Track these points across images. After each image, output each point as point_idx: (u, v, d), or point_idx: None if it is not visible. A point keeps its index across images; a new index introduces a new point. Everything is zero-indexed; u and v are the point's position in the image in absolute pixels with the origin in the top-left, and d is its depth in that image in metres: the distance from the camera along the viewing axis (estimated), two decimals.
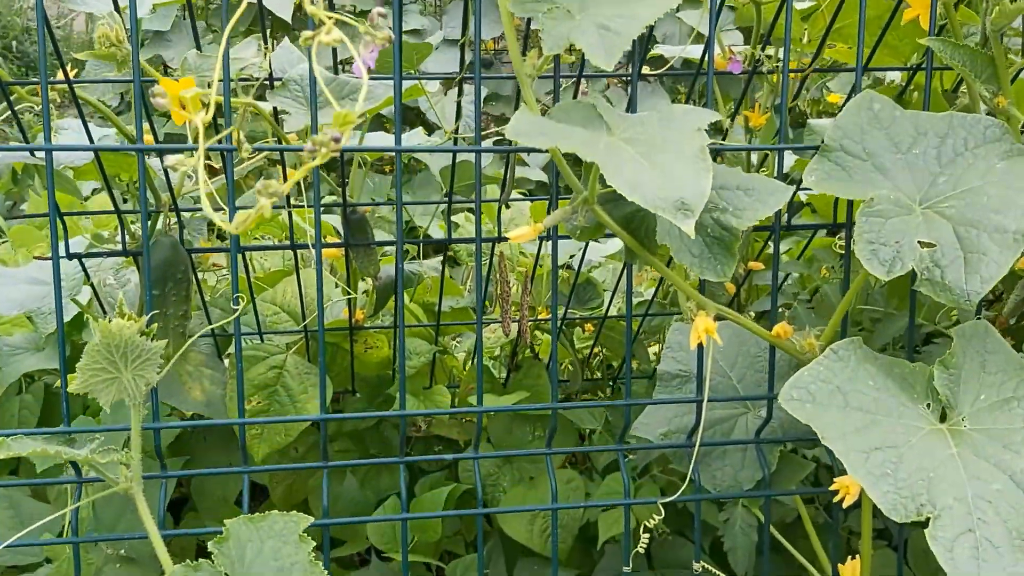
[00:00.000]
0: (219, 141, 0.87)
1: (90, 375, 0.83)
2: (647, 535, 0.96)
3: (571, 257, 1.91)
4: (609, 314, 1.75)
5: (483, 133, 1.04)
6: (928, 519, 0.73)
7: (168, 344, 1.36)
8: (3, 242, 2.31)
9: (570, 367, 2.02)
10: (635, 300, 2.01)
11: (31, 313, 1.62)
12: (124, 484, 0.85)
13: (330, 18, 0.56)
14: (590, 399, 1.96)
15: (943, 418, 0.82)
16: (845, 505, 0.93)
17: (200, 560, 0.81)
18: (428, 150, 1.11)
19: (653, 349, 1.95)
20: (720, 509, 1.52)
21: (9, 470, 1.77)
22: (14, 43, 4.54)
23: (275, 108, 1.13)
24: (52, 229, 1.10)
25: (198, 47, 1.05)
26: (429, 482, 1.81)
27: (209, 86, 0.94)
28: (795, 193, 1.07)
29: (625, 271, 0.97)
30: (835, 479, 0.95)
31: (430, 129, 3.30)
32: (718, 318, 0.93)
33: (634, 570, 1.66)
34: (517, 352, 1.80)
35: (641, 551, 1.00)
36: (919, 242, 0.82)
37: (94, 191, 2.24)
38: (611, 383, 1.94)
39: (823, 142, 0.91)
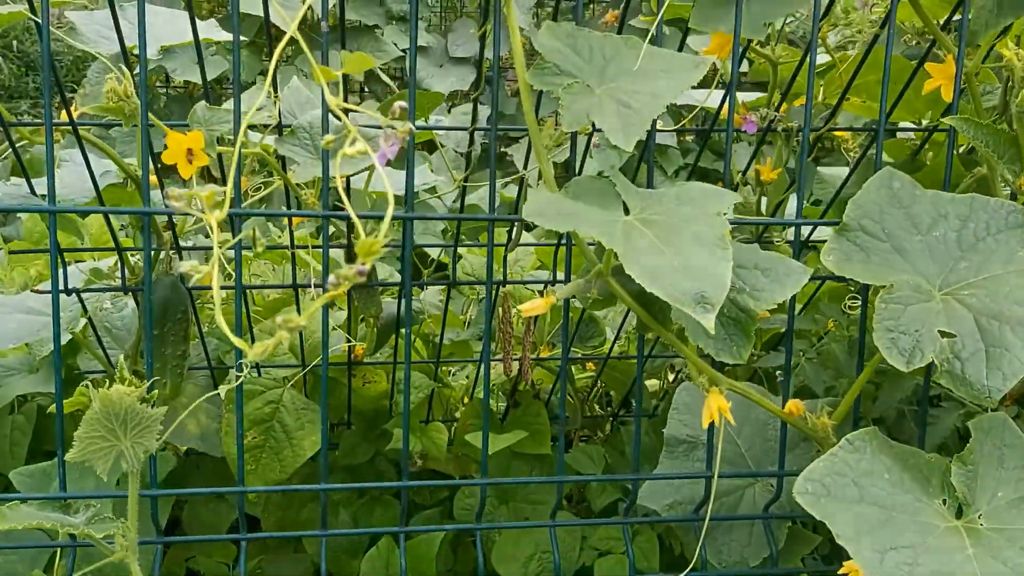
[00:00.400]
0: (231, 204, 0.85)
1: (88, 443, 0.81)
2: None
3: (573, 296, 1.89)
4: (610, 352, 1.74)
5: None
6: None
7: (166, 385, 1.34)
8: None
9: (569, 401, 2.01)
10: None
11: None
12: (120, 554, 0.83)
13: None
14: (588, 436, 1.94)
15: (959, 514, 0.81)
16: None
17: None
18: (442, 218, 1.08)
19: (653, 386, 1.93)
20: None
21: None
22: (15, 43, 4.50)
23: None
24: (52, 266, 1.07)
25: (206, 94, 1.02)
26: (423, 518, 1.79)
27: (219, 141, 0.92)
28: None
29: (637, 341, 0.96)
30: (844, 563, 0.93)
31: (431, 148, 3.28)
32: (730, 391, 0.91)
33: None
34: (517, 388, 1.78)
35: None
36: (939, 331, 0.80)
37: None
38: (611, 419, 1.92)
39: (841, 221, 0.89)
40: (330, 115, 1.05)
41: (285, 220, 1.81)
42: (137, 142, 0.98)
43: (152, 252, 1.32)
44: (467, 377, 2.01)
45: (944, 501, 0.81)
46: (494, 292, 1.54)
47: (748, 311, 0.82)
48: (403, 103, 0.59)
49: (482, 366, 1.83)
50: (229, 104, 1.15)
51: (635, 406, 0.96)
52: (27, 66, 4.59)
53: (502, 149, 3.48)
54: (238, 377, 0.89)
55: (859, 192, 0.90)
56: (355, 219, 0.60)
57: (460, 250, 2.47)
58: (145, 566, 0.83)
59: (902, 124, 1.33)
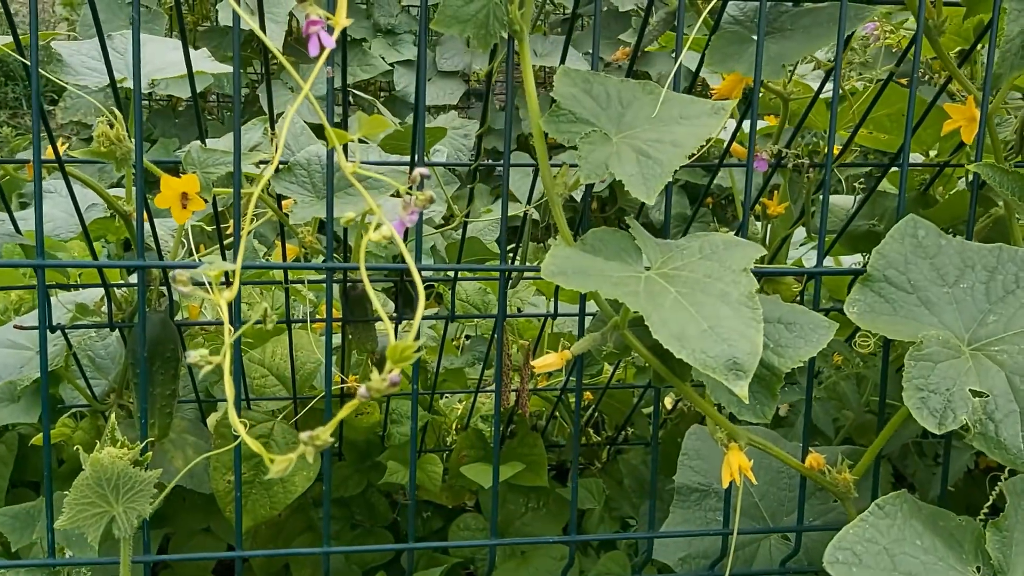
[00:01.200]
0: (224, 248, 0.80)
1: (78, 511, 0.76)
2: None
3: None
4: (609, 382, 1.70)
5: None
6: None
7: (154, 425, 1.29)
8: None
9: (564, 427, 1.97)
10: (635, 364, 1.96)
11: None
12: None
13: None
14: (584, 464, 1.90)
15: None
16: None
17: None
18: (447, 268, 1.04)
19: (648, 411, 1.90)
20: None
21: None
22: None
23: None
24: (41, 303, 1.02)
25: (201, 135, 0.98)
26: (417, 553, 1.75)
27: (214, 183, 0.88)
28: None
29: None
30: None
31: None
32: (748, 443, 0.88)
33: None
34: (513, 419, 1.74)
35: None
36: (970, 390, 0.77)
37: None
38: (609, 446, 1.88)
39: (866, 271, 0.86)
40: (333, 152, 1.01)
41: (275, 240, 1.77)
42: (128, 183, 0.94)
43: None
44: (460, 402, 1.97)
45: (978, 568, 0.78)
46: (495, 327, 1.50)
47: (772, 368, 0.79)
48: (424, 170, 0.55)
49: (483, 401, 1.79)
50: (222, 137, 1.11)
51: (651, 467, 0.92)
52: (6, 76, 4.51)
53: (489, 160, 3.45)
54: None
55: (883, 242, 0.87)
56: (365, 278, 0.56)
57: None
58: None
59: (911, 159, 1.30)
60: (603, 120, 0.80)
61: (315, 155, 1.09)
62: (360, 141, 1.26)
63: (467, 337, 2.01)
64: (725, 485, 0.83)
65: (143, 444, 0.80)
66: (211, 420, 1.56)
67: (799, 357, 0.79)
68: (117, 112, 0.82)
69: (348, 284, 1.34)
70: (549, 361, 0.81)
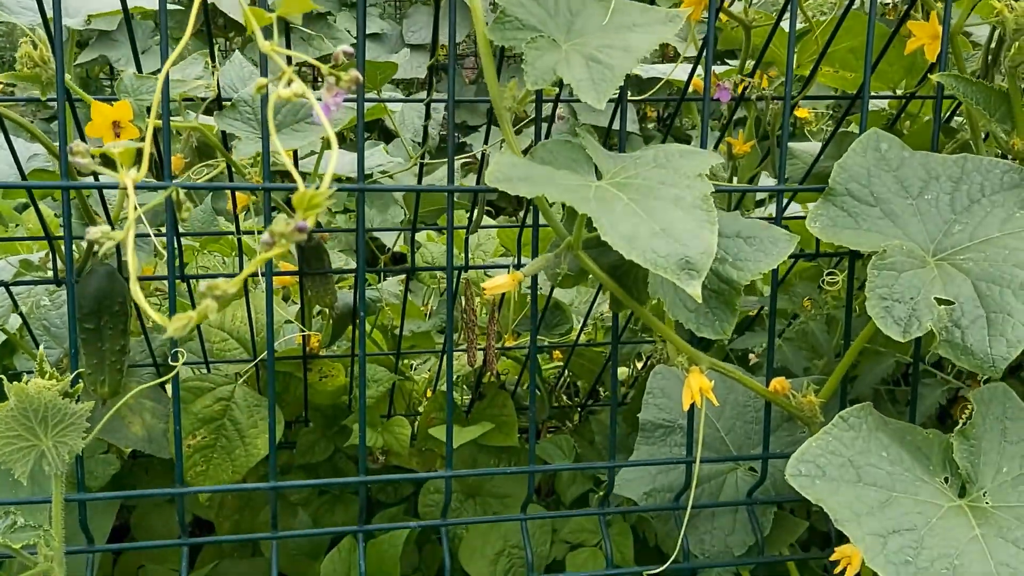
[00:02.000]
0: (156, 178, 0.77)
1: (3, 444, 0.72)
2: None
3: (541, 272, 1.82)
4: (578, 340, 1.67)
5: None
6: None
7: (104, 383, 1.24)
8: None
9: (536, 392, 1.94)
10: (606, 323, 1.93)
11: None
12: (44, 565, 0.74)
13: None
14: (556, 426, 1.88)
15: (963, 492, 0.75)
16: None
17: None
18: (397, 190, 1.01)
19: (623, 373, 1.87)
20: None
21: None
22: None
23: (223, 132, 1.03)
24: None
25: (137, 61, 0.94)
26: (386, 516, 1.71)
27: (148, 111, 0.83)
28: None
29: (612, 321, 0.89)
30: (836, 548, 0.87)
31: (388, 138, 3.18)
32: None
33: None
34: (481, 380, 1.71)
35: None
36: (936, 299, 0.74)
37: (25, 206, 2.10)
38: (580, 409, 1.85)
39: (828, 185, 0.83)
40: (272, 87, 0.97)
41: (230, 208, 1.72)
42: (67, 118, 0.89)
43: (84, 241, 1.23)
44: (429, 371, 1.94)
45: (946, 479, 0.75)
46: (456, 278, 1.46)
47: (731, 282, 0.76)
48: (348, 47, 0.52)
49: (444, 357, 1.76)
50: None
51: (611, 387, 0.89)
52: None
53: (460, 139, 3.41)
54: (174, 360, 0.80)
55: (845, 155, 0.84)
56: (301, 186, 0.52)
57: (419, 238, 2.40)
58: None
59: (876, 93, 1.27)
60: (551, 27, 0.76)
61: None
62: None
63: (436, 297, 1.98)
64: (686, 407, 0.80)
65: (73, 375, 0.76)
66: (166, 380, 1.52)
67: (758, 270, 0.76)
68: (42, 34, 0.78)
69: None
70: (499, 283, 0.77)
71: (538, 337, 1.67)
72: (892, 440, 0.76)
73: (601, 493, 1.59)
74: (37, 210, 1.17)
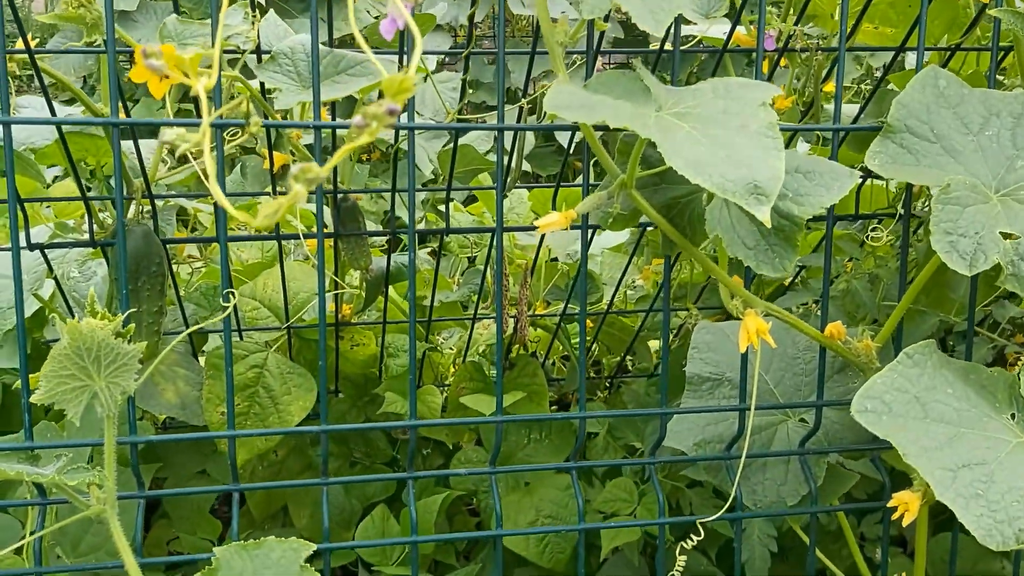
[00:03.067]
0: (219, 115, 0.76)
1: (56, 383, 0.72)
2: (683, 556, 0.87)
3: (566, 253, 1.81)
4: (609, 308, 1.66)
5: (471, 116, 0.93)
6: None
7: (141, 344, 1.24)
8: None
9: (564, 366, 1.93)
10: (636, 295, 1.92)
11: None
12: (96, 507, 0.74)
13: None
14: (589, 398, 1.86)
15: None
16: (905, 523, 0.84)
17: None
18: (445, 128, 0.99)
19: (654, 345, 1.86)
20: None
21: None
22: None
23: (263, 85, 1.02)
24: (11, 214, 0.97)
25: (177, 10, 0.93)
26: (418, 487, 1.70)
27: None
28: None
29: (664, 266, 0.87)
30: (893, 495, 0.86)
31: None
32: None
33: None
34: (512, 349, 1.70)
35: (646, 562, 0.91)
36: (1000, 233, 0.73)
37: (55, 179, 2.10)
38: (609, 381, 1.84)
39: (886, 122, 0.82)
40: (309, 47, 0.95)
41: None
42: (103, 69, 0.88)
43: (123, 201, 1.22)
44: (458, 342, 1.93)
45: (1012, 416, 0.74)
46: (492, 237, 1.45)
47: (792, 218, 0.74)
48: None
49: (474, 325, 1.74)
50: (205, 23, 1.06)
51: (663, 333, 0.87)
52: None
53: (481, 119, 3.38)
54: (226, 302, 0.79)
55: (903, 92, 0.83)
56: (383, 73, 0.51)
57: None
58: (126, 525, 0.74)
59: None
60: None
61: (299, 43, 1.04)
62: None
63: (462, 274, 1.97)
64: (742, 349, 0.79)
65: (124, 315, 0.75)
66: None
67: (820, 204, 0.74)
68: None
69: (339, 196, 1.29)
70: (552, 219, 0.76)
71: (569, 306, 1.66)
72: (957, 378, 0.74)
73: (644, 483, 1.58)
74: (74, 169, 1.17)
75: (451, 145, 1.21)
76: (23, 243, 1.16)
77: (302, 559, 0.72)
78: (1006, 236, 0.73)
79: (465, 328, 1.78)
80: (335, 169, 1.27)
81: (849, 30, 1.17)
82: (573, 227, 0.75)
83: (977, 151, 0.79)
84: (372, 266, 1.41)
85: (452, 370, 1.87)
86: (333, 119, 1.15)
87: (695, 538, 0.85)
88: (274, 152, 1.21)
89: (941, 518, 1.48)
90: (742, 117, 0.68)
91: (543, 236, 1.56)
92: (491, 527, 1.58)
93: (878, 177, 1.02)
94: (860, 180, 1.07)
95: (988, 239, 0.72)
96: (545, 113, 0.71)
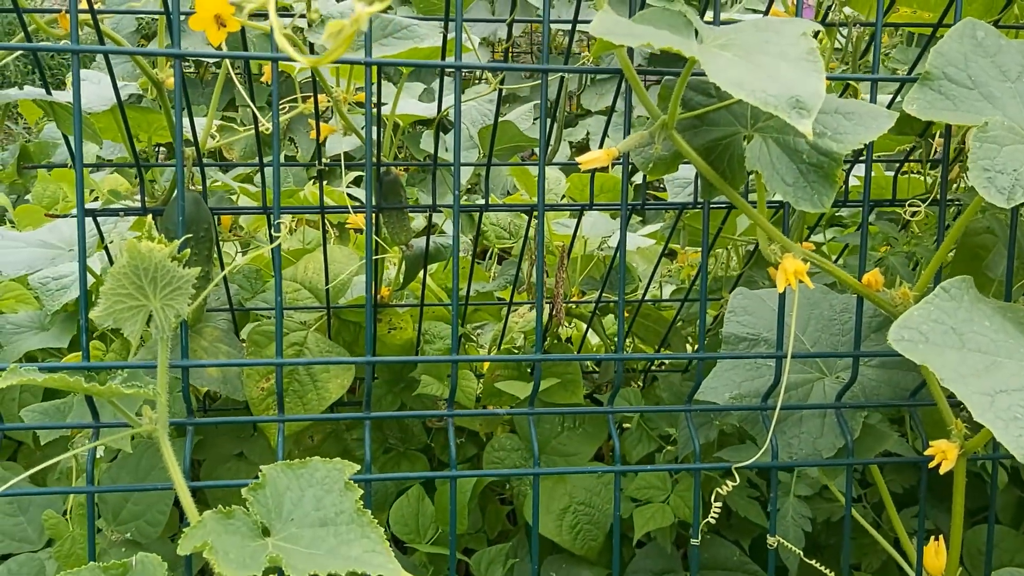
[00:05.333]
0: None
1: (114, 301, 0.74)
2: (718, 503, 0.87)
3: (602, 244, 1.82)
4: (644, 297, 1.67)
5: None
6: None
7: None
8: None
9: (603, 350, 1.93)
10: (670, 288, 1.92)
11: (38, 291, 1.54)
12: (148, 426, 0.76)
13: None
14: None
15: None
16: (942, 471, 0.85)
17: (233, 507, 0.71)
18: (488, 68, 1.01)
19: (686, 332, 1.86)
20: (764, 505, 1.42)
21: (7, 456, 1.68)
22: None
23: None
24: (77, 156, 1.00)
25: None
26: None
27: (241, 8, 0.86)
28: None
29: (702, 216, 0.89)
30: (931, 443, 0.86)
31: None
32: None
33: (669, 570, 1.57)
34: (547, 337, 1.71)
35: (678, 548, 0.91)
36: None
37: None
38: (643, 375, 1.84)
39: (924, 71, 0.83)
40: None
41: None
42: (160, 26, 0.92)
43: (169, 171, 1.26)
44: (493, 332, 1.94)
45: None
46: (531, 215, 1.46)
47: (831, 154, 0.76)
48: None
49: (515, 320, 1.76)
50: None
51: (701, 277, 0.89)
52: None
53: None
54: (276, 232, 0.82)
55: (941, 41, 0.84)
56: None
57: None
58: (177, 455, 0.76)
59: None
60: None
61: (348, 7, 1.07)
62: None
63: (499, 262, 1.99)
64: (780, 289, 0.80)
65: (181, 239, 0.77)
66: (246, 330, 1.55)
67: (859, 140, 0.75)
68: None
69: (381, 169, 1.32)
70: (594, 155, 0.78)
71: (604, 295, 1.67)
72: (994, 312, 0.75)
73: (668, 448, 1.58)
74: (129, 135, 1.21)
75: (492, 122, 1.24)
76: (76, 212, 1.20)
77: (346, 477, 0.74)
78: None
79: (500, 318, 1.79)
80: (379, 144, 1.30)
81: (886, 7, 1.19)
82: (615, 164, 0.77)
83: (1015, 97, 0.80)
84: (411, 245, 1.44)
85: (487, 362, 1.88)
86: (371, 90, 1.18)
87: (730, 484, 0.86)
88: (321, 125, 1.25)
89: (978, 517, 1.46)
90: (782, 46, 0.69)
91: (579, 221, 1.57)
92: (523, 514, 1.58)
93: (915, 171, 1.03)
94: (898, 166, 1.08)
95: None
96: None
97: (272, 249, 0.85)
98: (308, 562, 0.65)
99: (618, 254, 1.62)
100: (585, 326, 1.77)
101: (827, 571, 0.93)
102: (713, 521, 0.88)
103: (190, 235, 1.23)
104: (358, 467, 0.76)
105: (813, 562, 1.03)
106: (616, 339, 1.89)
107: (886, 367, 0.95)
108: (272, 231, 0.83)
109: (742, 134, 0.80)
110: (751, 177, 0.87)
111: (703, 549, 1.59)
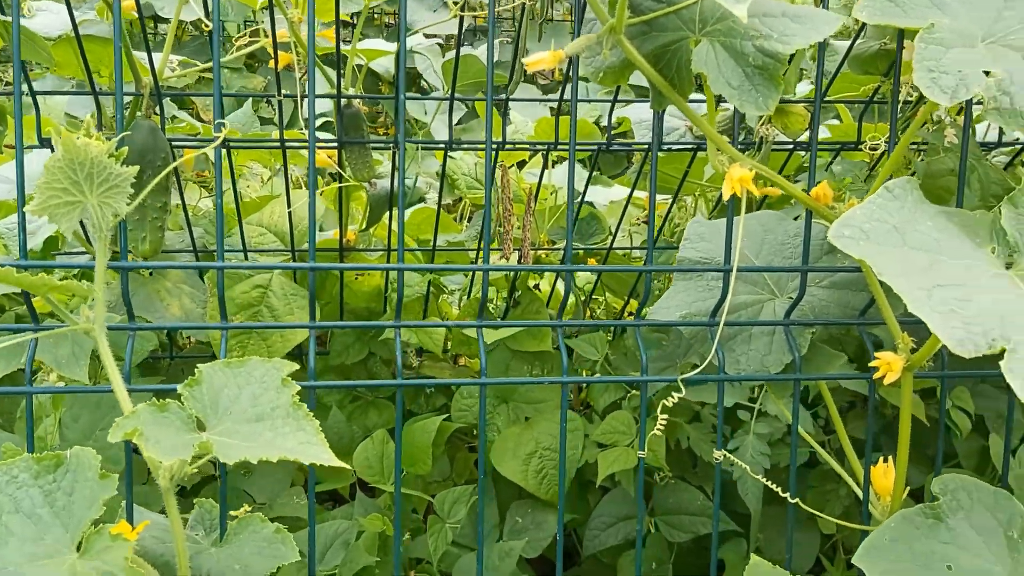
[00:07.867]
0: None
1: (49, 196, 0.73)
2: (664, 415, 0.87)
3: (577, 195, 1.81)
4: (611, 245, 1.66)
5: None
6: (1003, 351, 0.64)
7: (146, 239, 1.26)
8: None
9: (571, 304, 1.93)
10: (639, 240, 1.92)
11: (4, 236, 1.52)
12: (84, 324, 0.75)
13: None
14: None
15: (1009, 265, 0.74)
16: (886, 383, 0.85)
17: (167, 400, 0.71)
18: None
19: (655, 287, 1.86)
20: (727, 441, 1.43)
21: None
22: None
23: None
24: (16, 79, 0.98)
25: None
26: (419, 423, 1.71)
27: None
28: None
29: (651, 165, 0.88)
30: (876, 355, 0.86)
31: (423, 92, 3.20)
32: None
33: (633, 515, 1.57)
34: (516, 287, 1.71)
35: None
36: (983, 71, 0.73)
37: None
38: (613, 331, 1.84)
39: None
40: None
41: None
42: None
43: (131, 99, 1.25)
44: (462, 283, 1.93)
45: (993, 250, 0.74)
46: (494, 153, 1.45)
47: (776, 55, 0.75)
48: None
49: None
50: None
51: (650, 186, 0.88)
52: None
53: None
54: (218, 131, 0.81)
55: None
56: None
57: (454, 154, 2.40)
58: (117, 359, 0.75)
59: None
60: None
61: None
62: None
63: (468, 220, 1.98)
64: (726, 198, 0.79)
65: (118, 137, 0.76)
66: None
67: (805, 41, 0.75)
68: None
69: (343, 103, 1.30)
70: (541, 57, 0.77)
71: (573, 244, 1.67)
72: (938, 213, 0.74)
73: (633, 392, 1.58)
74: (86, 64, 1.19)
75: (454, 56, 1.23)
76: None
77: (284, 374, 0.73)
78: (989, 75, 0.73)
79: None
80: (339, 76, 1.29)
81: None
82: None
83: (964, 3, 0.80)
84: (375, 185, 1.43)
85: (456, 312, 1.87)
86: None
87: (676, 396, 0.86)
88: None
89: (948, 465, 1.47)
90: None
91: (545, 163, 1.56)
92: (490, 459, 1.58)
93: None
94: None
95: (971, 76, 0.73)
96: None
97: (223, 182, 0.84)
98: (240, 451, 0.64)
99: (580, 198, 1.61)
100: (554, 277, 1.77)
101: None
102: (659, 433, 0.87)
103: (146, 167, 1.22)
104: (297, 366, 0.76)
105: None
106: (584, 292, 1.89)
107: (836, 287, 0.95)
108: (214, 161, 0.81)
109: (690, 39, 0.79)
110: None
111: (668, 494, 1.59)
